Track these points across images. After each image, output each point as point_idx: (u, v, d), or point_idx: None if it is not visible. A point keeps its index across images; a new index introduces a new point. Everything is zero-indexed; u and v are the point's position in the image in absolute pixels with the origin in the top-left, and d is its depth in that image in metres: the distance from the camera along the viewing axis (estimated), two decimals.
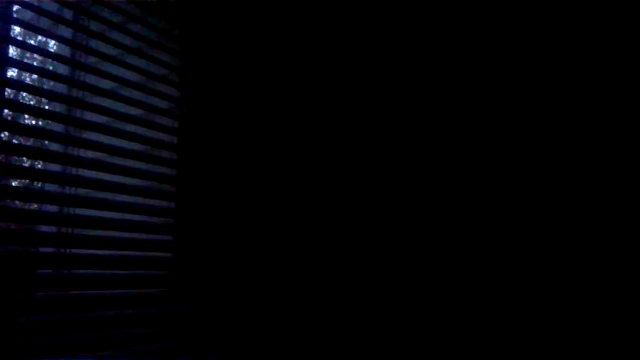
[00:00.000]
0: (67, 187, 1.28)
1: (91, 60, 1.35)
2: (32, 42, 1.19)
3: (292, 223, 1.61)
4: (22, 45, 1.07)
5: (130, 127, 1.35)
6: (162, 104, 1.37)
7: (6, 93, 1.03)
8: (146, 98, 1.36)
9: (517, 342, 1.35)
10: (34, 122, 1.93)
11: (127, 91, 1.30)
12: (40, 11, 1.08)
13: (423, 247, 1.52)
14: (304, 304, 1.59)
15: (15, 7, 1.05)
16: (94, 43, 1.24)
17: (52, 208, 1.29)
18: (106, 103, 1.24)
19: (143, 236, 1.30)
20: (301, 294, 1.59)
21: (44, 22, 1.18)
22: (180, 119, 1.37)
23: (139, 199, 1.34)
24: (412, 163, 1.57)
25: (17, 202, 1.36)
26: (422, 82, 1.59)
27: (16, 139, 1.71)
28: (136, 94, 1.32)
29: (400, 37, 1.64)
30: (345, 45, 1.72)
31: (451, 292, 1.46)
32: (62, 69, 1.37)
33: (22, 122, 1.51)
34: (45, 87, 1.40)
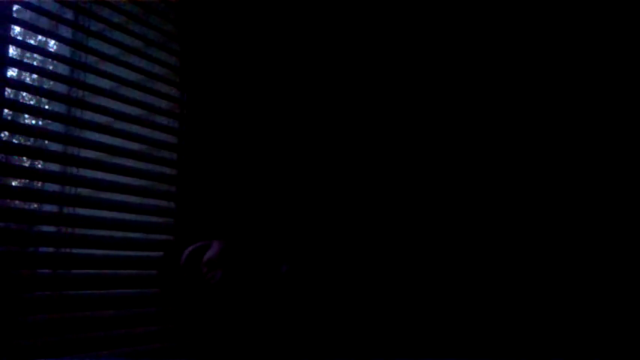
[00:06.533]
0: (67, 187, 1.28)
1: (91, 60, 1.35)
2: (32, 42, 1.19)
3: (292, 224, 1.61)
4: (22, 45, 1.07)
5: (130, 127, 1.35)
6: (162, 104, 1.37)
7: (6, 93, 1.03)
8: (146, 98, 1.35)
9: (517, 341, 1.35)
10: (34, 122, 1.93)
11: (127, 91, 1.30)
12: (40, 11, 1.08)
13: (422, 247, 1.51)
14: (301, 303, 1.59)
15: (15, 7, 1.05)
16: (94, 43, 1.24)
17: (52, 208, 1.29)
18: (106, 102, 1.24)
19: (143, 236, 1.30)
20: (300, 294, 1.59)
21: (44, 22, 1.18)
22: (180, 119, 1.37)
23: (139, 199, 1.34)
24: (412, 162, 1.57)
25: (17, 202, 1.35)
26: (422, 82, 1.59)
27: (16, 139, 1.71)
28: (136, 94, 1.32)
29: (400, 37, 1.64)
30: (345, 44, 1.72)
31: (451, 292, 1.46)
32: (62, 69, 1.37)
33: (22, 122, 1.51)
34: (45, 87, 1.40)
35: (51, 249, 1.18)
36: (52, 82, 1.34)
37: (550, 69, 1.41)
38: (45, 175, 1.09)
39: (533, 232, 1.37)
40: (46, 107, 1.15)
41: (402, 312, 1.51)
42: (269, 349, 1.46)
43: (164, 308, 1.25)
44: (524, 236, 1.38)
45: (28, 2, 1.06)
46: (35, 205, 1.44)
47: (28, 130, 1.07)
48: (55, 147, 1.29)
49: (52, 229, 1.23)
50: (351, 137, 1.67)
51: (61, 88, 1.33)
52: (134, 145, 1.34)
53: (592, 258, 1.30)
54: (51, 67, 1.50)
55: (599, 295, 1.27)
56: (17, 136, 1.71)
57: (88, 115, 1.28)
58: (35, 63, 1.66)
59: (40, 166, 1.45)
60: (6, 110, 1.05)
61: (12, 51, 1.08)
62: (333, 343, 1.54)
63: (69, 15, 1.29)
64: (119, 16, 1.29)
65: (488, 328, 1.39)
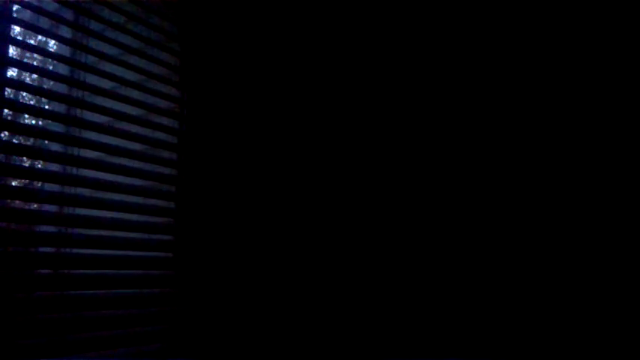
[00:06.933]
0: (67, 187, 1.28)
1: (91, 60, 1.35)
2: (32, 42, 1.19)
3: (292, 223, 1.61)
4: (22, 45, 1.07)
5: (130, 127, 1.35)
6: (163, 104, 1.37)
7: (6, 93, 1.03)
8: (146, 98, 1.36)
9: (517, 341, 1.35)
10: (34, 122, 1.94)
11: (127, 91, 1.30)
12: (40, 11, 1.08)
13: (422, 248, 1.51)
14: (303, 305, 1.59)
15: (15, 7, 1.05)
16: (94, 43, 1.24)
17: (52, 208, 1.29)
18: (106, 102, 1.24)
19: (143, 236, 1.30)
20: (300, 295, 1.59)
21: (44, 22, 1.18)
22: (181, 119, 1.37)
23: (139, 199, 1.34)
24: (412, 162, 1.57)
25: (17, 202, 1.36)
26: (422, 82, 1.59)
27: (16, 139, 1.71)
28: (136, 94, 1.32)
29: (400, 36, 1.64)
30: (345, 45, 1.72)
31: (451, 291, 1.46)
32: (62, 69, 1.37)
33: (22, 122, 1.51)
34: (45, 87, 1.40)
35: (51, 249, 1.18)
36: (52, 82, 1.34)
37: (549, 70, 1.41)
38: (45, 175, 1.09)
39: (530, 233, 1.37)
40: (46, 107, 1.15)
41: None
42: (273, 349, 1.46)
43: (171, 308, 1.25)
44: (517, 236, 1.38)
45: (28, 2, 1.06)
46: (35, 205, 1.44)
47: (28, 130, 1.06)
48: (55, 147, 1.29)
49: (52, 229, 1.23)
50: (350, 136, 1.67)
51: (61, 88, 1.33)
52: (134, 145, 1.34)
53: (590, 257, 1.30)
54: (51, 67, 1.50)
55: (598, 295, 1.27)
56: (17, 136, 1.71)
57: (88, 115, 1.28)
58: (35, 63, 1.66)
59: (40, 166, 1.45)
60: (6, 110, 1.05)
61: (12, 51, 1.08)
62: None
63: (69, 15, 1.29)
64: (119, 16, 1.29)
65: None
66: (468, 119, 1.50)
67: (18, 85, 1.05)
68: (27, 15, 1.23)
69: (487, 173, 1.46)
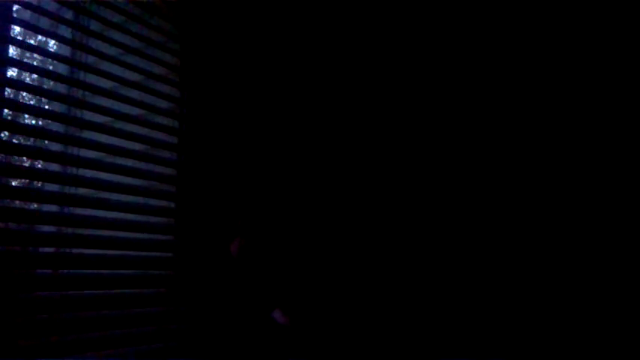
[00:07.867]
0: (67, 187, 1.28)
1: (91, 60, 1.35)
2: (32, 42, 1.19)
3: (292, 223, 1.61)
4: (22, 45, 1.07)
5: (130, 127, 1.35)
6: (163, 104, 1.37)
7: (6, 93, 1.03)
8: (146, 98, 1.35)
9: (517, 342, 1.35)
10: (34, 122, 1.93)
11: (127, 91, 1.30)
12: (40, 11, 1.08)
13: (422, 249, 1.51)
14: (302, 304, 1.59)
15: (15, 7, 1.05)
16: (94, 43, 1.24)
17: (52, 208, 1.29)
18: (106, 102, 1.24)
19: (143, 236, 1.30)
20: (300, 294, 1.59)
21: (44, 22, 1.18)
22: (180, 119, 1.37)
23: (139, 199, 1.34)
24: (411, 162, 1.57)
25: (17, 202, 1.36)
26: (421, 83, 1.59)
27: (16, 139, 1.71)
28: (136, 94, 1.32)
29: (399, 37, 1.64)
30: (345, 45, 1.72)
31: (451, 292, 1.46)
32: (62, 69, 1.37)
33: (22, 122, 1.51)
34: (45, 87, 1.40)
35: (51, 249, 1.18)
36: (52, 82, 1.34)
37: (549, 70, 1.41)
38: (45, 175, 1.09)
39: (531, 233, 1.37)
40: (46, 107, 1.15)
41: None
42: (273, 349, 1.45)
43: (171, 308, 1.25)
44: (518, 237, 1.38)
45: (28, 2, 1.06)
46: (35, 205, 1.44)
47: (28, 130, 1.07)
48: (55, 147, 1.29)
49: (52, 229, 1.23)
50: (349, 136, 1.67)
51: (61, 88, 1.32)
52: (134, 145, 1.34)
53: (590, 257, 1.30)
54: (51, 67, 1.50)
55: (597, 295, 1.27)
56: (17, 136, 1.71)
57: (88, 115, 1.28)
58: (35, 63, 1.65)
59: (40, 166, 1.44)
60: (6, 110, 1.05)
61: (12, 51, 1.08)
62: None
63: (69, 15, 1.29)
64: (119, 16, 1.29)
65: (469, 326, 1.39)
66: (468, 120, 1.50)
67: (18, 85, 1.06)
68: (27, 15, 1.23)
69: (489, 174, 1.46)
